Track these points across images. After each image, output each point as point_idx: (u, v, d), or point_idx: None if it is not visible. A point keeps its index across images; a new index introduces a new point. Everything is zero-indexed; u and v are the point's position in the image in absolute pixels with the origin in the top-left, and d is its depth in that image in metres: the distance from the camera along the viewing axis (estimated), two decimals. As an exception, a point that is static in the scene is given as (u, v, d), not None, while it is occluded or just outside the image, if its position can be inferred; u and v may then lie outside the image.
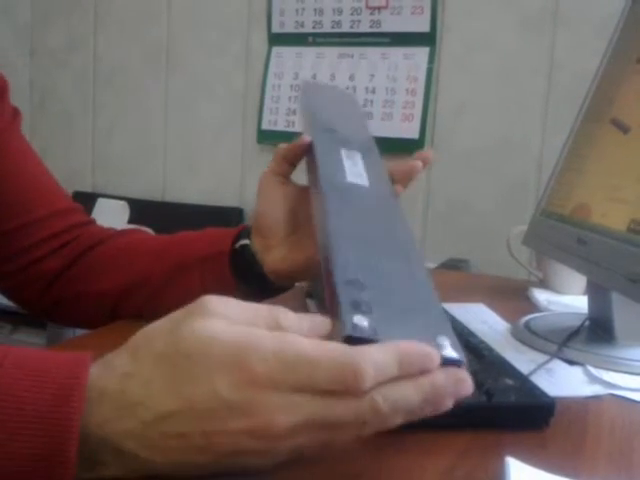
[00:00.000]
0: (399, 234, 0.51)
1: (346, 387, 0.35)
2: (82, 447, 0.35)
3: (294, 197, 0.69)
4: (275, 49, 2.18)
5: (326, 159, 0.60)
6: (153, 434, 0.35)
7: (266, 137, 2.18)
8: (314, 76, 2.11)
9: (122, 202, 2.23)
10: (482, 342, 0.62)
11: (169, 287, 0.71)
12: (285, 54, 2.17)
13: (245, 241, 0.70)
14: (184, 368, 0.36)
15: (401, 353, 0.36)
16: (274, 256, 0.69)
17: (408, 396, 0.37)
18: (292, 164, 0.69)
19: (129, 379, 0.36)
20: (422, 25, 1.98)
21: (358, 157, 0.62)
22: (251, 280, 0.70)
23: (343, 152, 0.62)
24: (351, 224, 0.50)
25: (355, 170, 0.59)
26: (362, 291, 0.41)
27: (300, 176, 0.69)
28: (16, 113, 0.77)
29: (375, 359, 0.36)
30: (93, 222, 0.80)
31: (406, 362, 0.36)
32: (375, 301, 0.40)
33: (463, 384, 0.38)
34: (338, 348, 0.36)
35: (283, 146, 0.69)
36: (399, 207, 0.56)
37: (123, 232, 0.79)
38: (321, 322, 0.40)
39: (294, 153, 0.68)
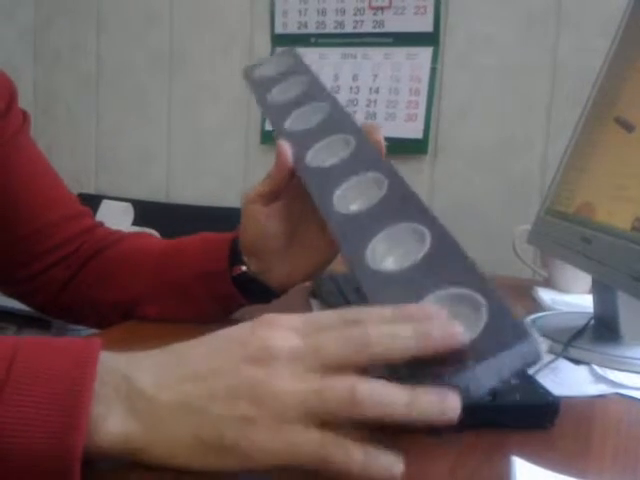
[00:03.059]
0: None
1: (345, 318, 0.40)
2: (95, 388, 0.36)
3: (283, 212, 0.66)
4: (278, 50, 2.18)
5: (314, 185, 0.60)
6: (170, 375, 0.38)
7: (270, 138, 2.18)
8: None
9: (126, 204, 2.24)
10: (487, 342, 0.62)
11: (176, 302, 0.71)
12: (288, 55, 2.17)
13: (242, 267, 0.68)
14: (209, 336, 0.41)
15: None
16: (278, 273, 0.68)
17: (399, 330, 0.38)
18: (279, 188, 0.65)
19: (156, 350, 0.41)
20: (425, 25, 1.98)
21: (328, 140, 0.62)
22: (256, 292, 0.70)
23: (313, 149, 0.62)
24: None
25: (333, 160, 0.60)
26: None
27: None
28: (25, 117, 0.77)
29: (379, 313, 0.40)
30: (101, 225, 0.80)
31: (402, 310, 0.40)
32: None
33: (453, 335, 0.38)
34: None
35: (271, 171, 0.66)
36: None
37: (125, 237, 0.78)
38: None
39: (278, 181, 0.64)
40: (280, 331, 0.39)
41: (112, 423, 0.36)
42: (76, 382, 0.36)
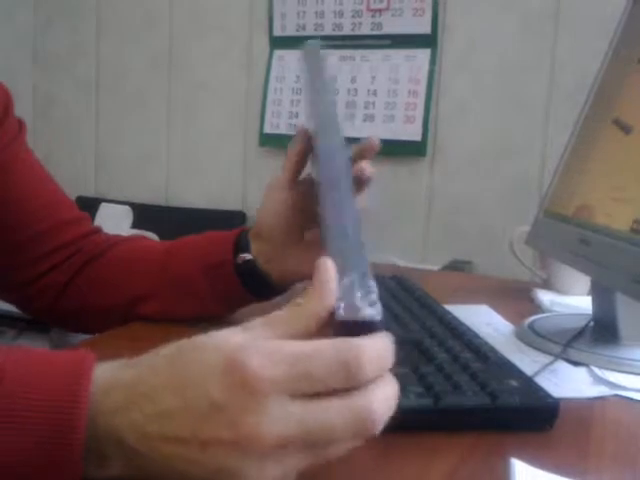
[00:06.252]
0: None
1: (347, 373, 0.34)
2: (89, 436, 0.35)
3: (300, 202, 0.67)
4: (277, 52, 2.18)
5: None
6: (152, 431, 0.35)
7: (268, 140, 2.18)
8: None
9: (125, 207, 2.24)
10: (486, 343, 0.62)
11: (179, 297, 0.71)
12: (287, 57, 2.17)
13: (247, 256, 0.69)
14: (184, 368, 0.36)
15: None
16: (281, 265, 0.68)
17: (391, 398, 0.36)
18: (301, 163, 0.68)
19: (144, 369, 0.37)
20: (423, 26, 1.98)
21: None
22: (259, 285, 0.70)
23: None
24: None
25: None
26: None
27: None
28: (21, 125, 0.77)
29: (377, 347, 0.35)
30: (99, 231, 0.80)
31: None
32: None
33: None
34: (337, 339, 0.35)
35: (293, 149, 0.68)
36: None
37: (124, 240, 0.79)
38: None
39: (302, 151, 0.67)
40: (270, 405, 0.34)
41: (110, 472, 0.36)
42: (67, 433, 0.35)
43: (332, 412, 0.35)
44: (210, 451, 0.34)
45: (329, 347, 0.35)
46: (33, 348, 0.39)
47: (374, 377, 0.35)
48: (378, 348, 0.35)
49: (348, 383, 0.35)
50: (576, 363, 0.66)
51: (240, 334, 0.37)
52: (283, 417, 0.34)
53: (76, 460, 0.35)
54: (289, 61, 2.17)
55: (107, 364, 0.38)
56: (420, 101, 1.99)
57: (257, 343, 0.35)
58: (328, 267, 0.39)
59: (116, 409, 0.36)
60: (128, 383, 0.37)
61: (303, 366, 0.34)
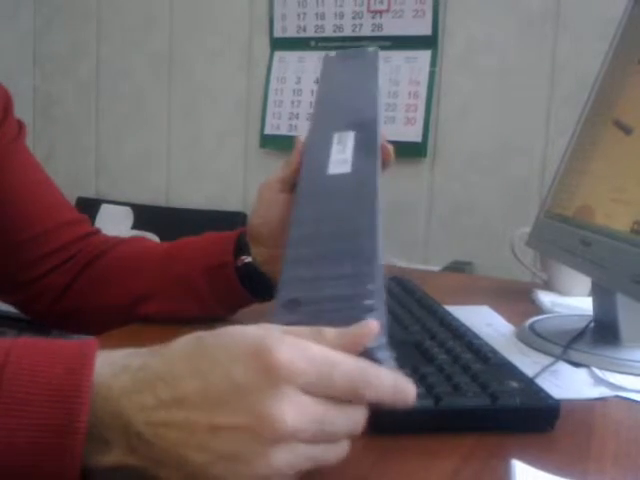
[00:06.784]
0: (359, 224, 0.51)
1: (356, 392, 0.37)
2: (90, 426, 0.35)
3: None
4: (277, 54, 2.18)
5: (312, 155, 0.61)
6: (162, 416, 0.35)
7: (269, 142, 2.18)
8: (316, 80, 2.11)
9: (126, 208, 2.24)
10: (486, 344, 0.62)
11: (179, 298, 0.72)
12: (287, 58, 2.17)
13: (247, 258, 0.70)
14: (206, 353, 0.37)
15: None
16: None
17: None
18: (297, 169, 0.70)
19: (153, 357, 0.38)
20: (424, 28, 1.98)
21: (350, 138, 0.62)
22: (259, 286, 0.70)
23: (335, 137, 0.62)
24: (308, 233, 0.51)
25: (341, 157, 0.59)
26: (294, 312, 0.42)
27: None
28: (20, 127, 0.78)
29: (386, 380, 0.38)
30: (98, 232, 0.80)
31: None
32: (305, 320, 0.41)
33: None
34: (360, 360, 0.38)
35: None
36: (375, 188, 0.55)
37: (124, 241, 0.79)
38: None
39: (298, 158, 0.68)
40: (289, 394, 0.35)
41: (109, 458, 0.36)
42: (70, 417, 0.35)
43: (337, 417, 0.37)
44: (221, 435, 0.35)
45: (353, 364, 0.37)
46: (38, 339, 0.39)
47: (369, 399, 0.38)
48: (386, 382, 0.38)
49: (353, 398, 0.37)
50: (577, 364, 0.66)
51: (265, 330, 0.38)
52: (299, 408, 0.35)
53: (76, 456, 0.35)
54: (289, 62, 2.16)
55: (127, 350, 0.39)
56: (421, 102, 1.99)
57: (285, 337, 0.36)
58: (372, 328, 0.39)
59: (125, 391, 0.36)
60: (139, 367, 0.37)
61: (326, 369, 0.36)
